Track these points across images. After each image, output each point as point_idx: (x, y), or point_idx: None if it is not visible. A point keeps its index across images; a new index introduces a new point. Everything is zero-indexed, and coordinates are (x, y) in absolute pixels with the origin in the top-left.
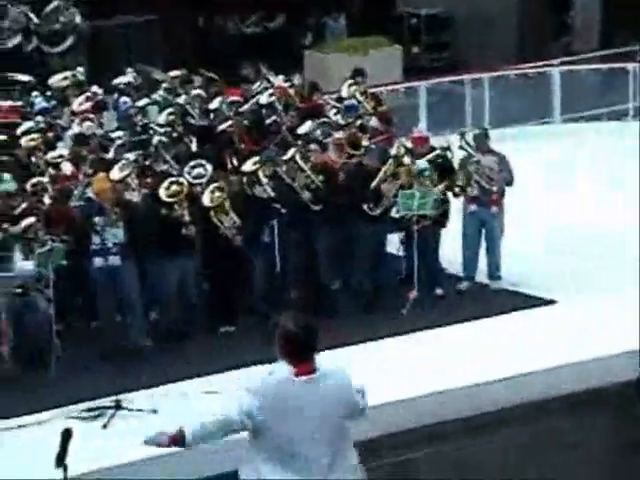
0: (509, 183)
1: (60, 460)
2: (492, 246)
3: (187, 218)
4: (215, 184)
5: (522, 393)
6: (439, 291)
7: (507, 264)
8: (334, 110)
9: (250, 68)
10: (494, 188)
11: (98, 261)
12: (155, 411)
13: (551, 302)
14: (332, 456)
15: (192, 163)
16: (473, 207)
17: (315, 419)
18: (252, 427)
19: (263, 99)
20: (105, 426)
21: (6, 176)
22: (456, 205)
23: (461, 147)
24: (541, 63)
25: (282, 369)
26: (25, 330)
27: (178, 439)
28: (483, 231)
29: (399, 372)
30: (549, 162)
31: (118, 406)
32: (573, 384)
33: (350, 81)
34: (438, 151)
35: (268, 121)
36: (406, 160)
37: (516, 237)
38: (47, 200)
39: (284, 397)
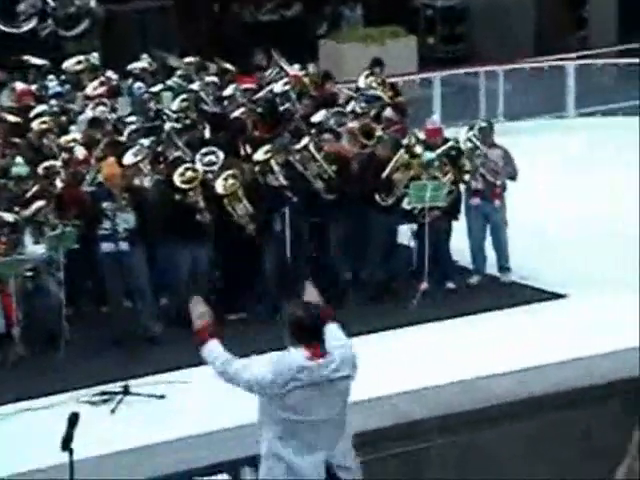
0: (513, 177)
1: (66, 444)
2: (498, 239)
3: (201, 204)
4: (229, 172)
5: (530, 387)
6: (450, 285)
7: (519, 258)
8: (349, 99)
9: (264, 55)
10: (498, 182)
11: (106, 246)
12: (163, 397)
13: (562, 296)
14: (338, 429)
15: (204, 150)
16: (476, 201)
17: (325, 399)
18: (261, 397)
19: (277, 87)
20: (113, 411)
21: (18, 159)
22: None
23: (469, 139)
24: (556, 57)
25: (296, 353)
26: (35, 313)
27: (203, 337)
28: (488, 225)
29: (407, 363)
30: (563, 155)
31: (126, 391)
32: (581, 379)
33: (367, 71)
34: (451, 143)
35: (282, 109)
36: (418, 150)
37: (529, 230)
38: (59, 184)
39: (298, 378)
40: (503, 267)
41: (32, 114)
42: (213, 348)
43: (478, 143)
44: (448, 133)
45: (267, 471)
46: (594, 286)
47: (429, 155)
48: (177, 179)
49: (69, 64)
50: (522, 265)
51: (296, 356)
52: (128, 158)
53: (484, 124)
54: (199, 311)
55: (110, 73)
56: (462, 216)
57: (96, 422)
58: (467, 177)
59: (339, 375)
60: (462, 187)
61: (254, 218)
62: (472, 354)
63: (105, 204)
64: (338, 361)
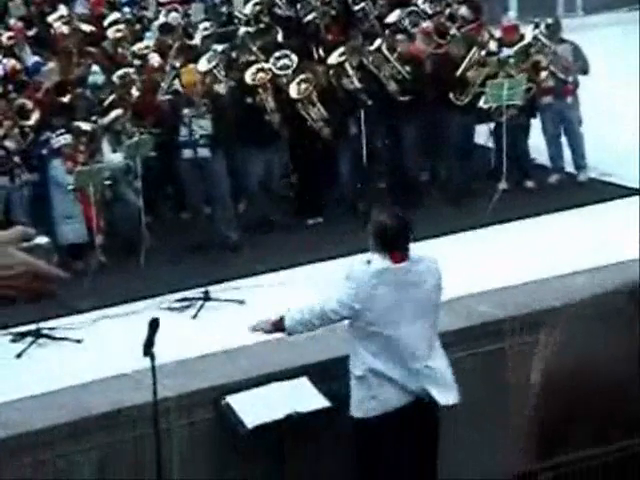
0: (585, 72)
1: (148, 349)
2: (573, 136)
3: (271, 105)
4: (302, 75)
5: (608, 284)
6: (529, 184)
7: (598, 154)
8: None
9: None
10: (570, 78)
11: (187, 152)
12: (242, 302)
13: None
14: (429, 341)
15: (278, 54)
16: (548, 99)
17: (411, 303)
18: (351, 316)
19: None
20: (195, 316)
21: (95, 68)
22: None
23: (535, 37)
24: None
25: (379, 259)
26: (115, 221)
27: (279, 325)
28: (561, 123)
29: (487, 263)
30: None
31: (207, 297)
32: None
33: None
34: (528, 40)
35: (356, 8)
36: (492, 47)
37: (607, 125)
38: (134, 92)
39: (381, 283)
40: (579, 165)
41: (106, 22)
42: (295, 321)
43: (546, 40)
44: (525, 30)
45: (367, 388)
46: None
47: (505, 52)
48: (248, 78)
49: None
50: (602, 161)
51: (379, 262)
52: (202, 64)
53: (551, 20)
54: (257, 324)
55: None
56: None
57: (178, 328)
58: (544, 74)
59: (424, 283)
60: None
61: (329, 122)
62: (552, 253)
63: (185, 111)
64: (423, 268)
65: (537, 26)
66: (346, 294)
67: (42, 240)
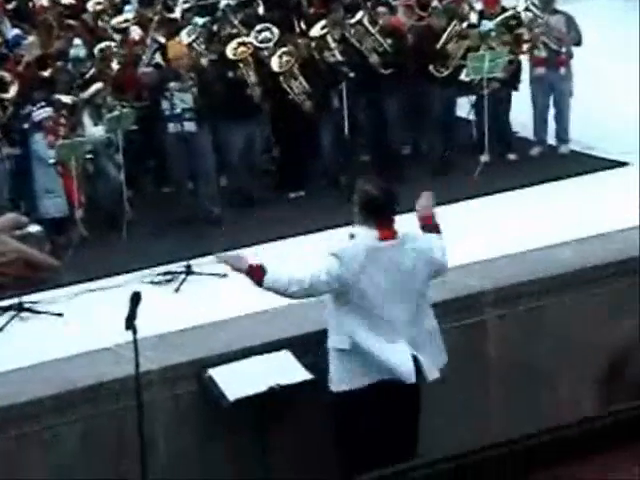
0: (577, 43)
1: (130, 322)
2: (562, 109)
3: (252, 79)
4: (283, 49)
5: (592, 256)
6: (511, 156)
7: (583, 126)
8: None
9: None
10: (562, 49)
11: (173, 127)
12: (225, 275)
13: (624, 164)
14: (413, 316)
15: (259, 27)
16: (541, 70)
17: (397, 282)
18: (338, 291)
19: None
20: (177, 290)
21: (77, 41)
22: (526, 68)
23: (527, 9)
24: None
25: (365, 233)
26: (96, 195)
27: (255, 273)
28: (552, 94)
29: (469, 236)
30: (630, 21)
31: (189, 271)
32: None
33: None
34: (510, 12)
35: None
36: (472, 19)
37: (593, 97)
38: (115, 65)
39: (369, 261)
40: (562, 138)
41: None
42: (276, 277)
43: (537, 12)
44: (506, 2)
45: (350, 361)
46: None
47: (486, 25)
48: (229, 52)
49: None
50: (585, 134)
51: (366, 238)
52: (183, 37)
53: None
54: (231, 256)
55: None
56: (524, 87)
57: (160, 301)
58: (526, 47)
59: (412, 268)
60: (523, 57)
61: (311, 95)
62: (534, 225)
63: (171, 84)
64: (410, 251)
65: None
66: (336, 268)
67: (34, 228)
